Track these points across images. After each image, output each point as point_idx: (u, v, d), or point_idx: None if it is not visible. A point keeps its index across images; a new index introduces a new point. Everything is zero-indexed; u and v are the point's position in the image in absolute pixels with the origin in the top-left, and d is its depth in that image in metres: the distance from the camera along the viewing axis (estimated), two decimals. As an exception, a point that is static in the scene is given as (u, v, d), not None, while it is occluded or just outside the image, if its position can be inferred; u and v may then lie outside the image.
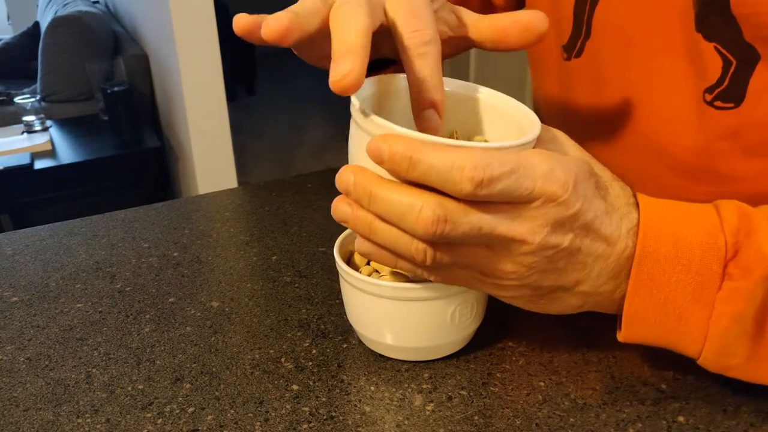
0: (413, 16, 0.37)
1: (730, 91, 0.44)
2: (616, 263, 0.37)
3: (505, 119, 0.41)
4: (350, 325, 0.48)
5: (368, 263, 0.45)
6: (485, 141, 0.42)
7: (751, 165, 0.45)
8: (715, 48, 0.44)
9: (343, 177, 0.35)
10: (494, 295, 0.39)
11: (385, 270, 0.44)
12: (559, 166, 0.34)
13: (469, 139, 0.42)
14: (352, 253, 0.47)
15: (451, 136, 0.42)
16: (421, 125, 0.38)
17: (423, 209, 0.33)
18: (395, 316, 0.42)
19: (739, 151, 0.45)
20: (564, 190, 0.34)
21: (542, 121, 0.39)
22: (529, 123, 0.39)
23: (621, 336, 0.40)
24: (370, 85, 0.40)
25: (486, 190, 0.32)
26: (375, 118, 0.34)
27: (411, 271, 0.38)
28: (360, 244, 0.37)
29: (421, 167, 0.32)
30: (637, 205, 0.38)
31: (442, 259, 0.35)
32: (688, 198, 0.49)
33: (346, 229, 0.47)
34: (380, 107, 0.41)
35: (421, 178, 0.32)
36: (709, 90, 0.45)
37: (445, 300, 0.42)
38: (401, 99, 0.42)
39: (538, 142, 0.37)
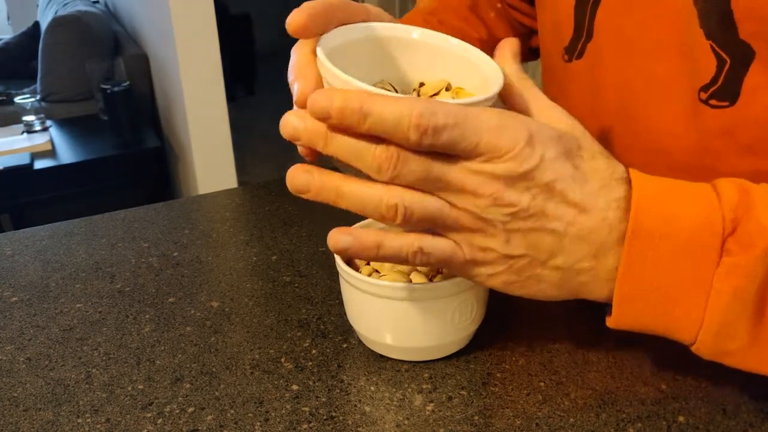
0: None
1: (724, 90, 0.44)
2: (594, 236, 0.36)
3: (476, 72, 0.41)
4: (350, 325, 0.48)
5: (368, 263, 0.45)
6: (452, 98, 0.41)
7: (746, 163, 0.45)
8: (711, 47, 0.44)
9: (289, 121, 0.35)
10: (470, 278, 0.38)
11: (386, 269, 0.44)
12: (514, 123, 0.34)
13: (436, 91, 0.41)
14: None
15: (419, 86, 0.42)
16: None
17: (377, 148, 0.33)
18: (395, 316, 0.42)
19: (734, 149, 0.45)
20: (512, 145, 0.33)
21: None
22: (495, 78, 0.38)
23: (611, 321, 0.38)
24: (338, 34, 0.39)
25: (430, 139, 0.32)
26: (336, 71, 0.35)
27: (397, 261, 0.37)
28: (333, 238, 0.36)
29: (371, 118, 0.32)
30: (629, 181, 0.37)
31: (413, 210, 0.34)
32: None
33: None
34: (348, 57, 0.40)
35: (372, 129, 0.33)
36: (704, 89, 0.45)
37: (445, 300, 0.42)
38: (369, 46, 0.42)
39: (534, 104, 0.38)
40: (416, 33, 0.42)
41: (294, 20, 0.36)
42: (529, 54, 0.70)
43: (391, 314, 0.42)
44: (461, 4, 0.66)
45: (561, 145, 0.36)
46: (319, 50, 0.37)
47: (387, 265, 0.44)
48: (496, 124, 0.33)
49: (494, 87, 0.37)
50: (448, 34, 0.59)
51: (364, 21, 0.41)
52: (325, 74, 0.36)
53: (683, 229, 0.35)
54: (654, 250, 0.35)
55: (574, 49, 0.56)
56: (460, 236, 0.36)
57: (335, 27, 0.39)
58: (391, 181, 0.34)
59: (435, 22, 0.63)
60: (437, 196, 0.35)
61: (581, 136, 0.38)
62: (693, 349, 0.37)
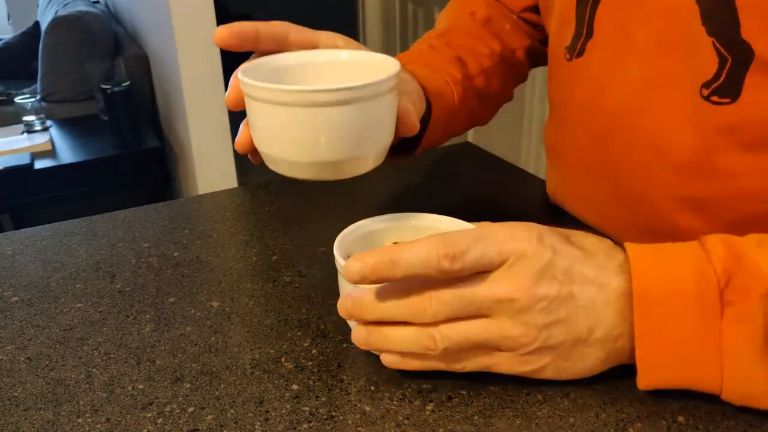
0: None
1: (726, 87, 0.44)
2: (617, 302, 0.38)
3: (375, 69, 0.44)
4: (350, 325, 0.48)
5: None
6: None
7: (748, 160, 0.45)
8: (713, 44, 0.44)
9: (343, 304, 0.42)
10: (523, 372, 0.41)
11: None
12: (520, 228, 0.39)
13: None
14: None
15: None
16: None
17: (409, 297, 0.39)
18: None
19: (736, 146, 0.45)
20: (528, 244, 0.38)
21: (554, 124, 0.41)
22: (392, 64, 0.43)
23: (640, 383, 0.39)
24: (265, 62, 0.47)
25: (460, 262, 0.37)
26: (262, 84, 0.40)
27: (442, 368, 0.41)
28: (386, 358, 0.42)
29: (402, 263, 0.37)
30: (621, 248, 0.40)
31: (451, 337, 0.39)
32: (690, 195, 0.49)
33: (345, 227, 0.47)
34: (278, 81, 0.45)
35: (408, 272, 0.37)
36: (706, 85, 0.45)
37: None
38: (302, 74, 0.47)
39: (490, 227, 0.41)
40: (318, 56, 0.48)
41: (217, 34, 0.45)
42: (544, 58, 0.70)
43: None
44: (473, 22, 0.68)
45: (558, 234, 0.40)
46: (240, 74, 0.43)
47: None
48: (507, 233, 0.38)
49: (393, 68, 0.41)
50: (455, 53, 0.65)
51: (312, 48, 0.48)
52: (257, 93, 0.41)
53: (681, 287, 0.37)
54: (660, 311, 0.37)
55: (575, 48, 0.56)
56: (509, 350, 0.40)
57: (263, 54, 0.47)
58: (433, 320, 0.39)
59: (443, 44, 0.65)
60: (475, 318, 0.39)
61: (558, 229, 0.42)
62: (723, 398, 0.38)
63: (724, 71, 0.44)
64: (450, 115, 0.60)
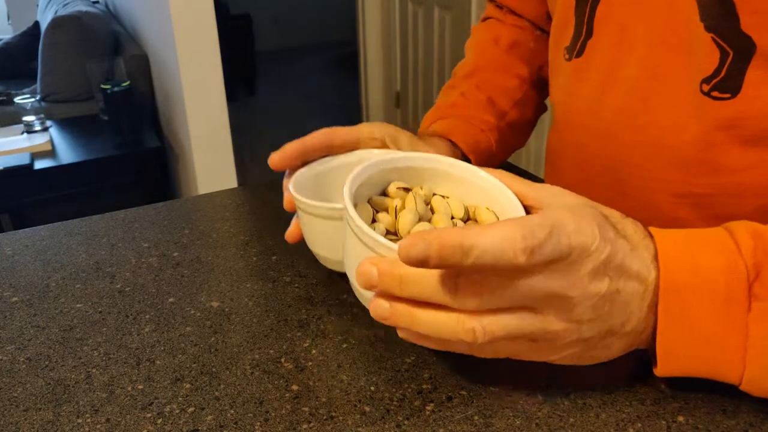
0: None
1: (727, 82, 0.44)
2: (651, 296, 0.38)
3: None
4: (350, 325, 0.48)
5: (374, 220, 0.44)
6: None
7: (749, 156, 0.45)
8: (713, 39, 0.44)
9: (364, 271, 0.35)
10: (543, 359, 0.39)
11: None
12: (582, 218, 0.36)
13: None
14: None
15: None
16: None
17: (459, 280, 0.34)
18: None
19: (737, 142, 0.45)
20: (593, 239, 0.35)
21: (556, 122, 0.41)
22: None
23: (658, 371, 0.39)
24: (309, 168, 0.52)
25: (537, 256, 0.33)
26: (299, 198, 0.47)
27: (464, 352, 0.38)
28: (403, 332, 0.38)
29: (474, 252, 0.32)
30: (651, 235, 0.38)
31: (494, 333, 0.35)
32: (690, 191, 0.49)
33: None
34: (321, 186, 0.52)
35: (477, 263, 0.32)
36: (707, 80, 0.45)
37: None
38: (340, 175, 0.52)
39: (536, 201, 0.40)
40: (351, 157, 0.54)
41: (272, 160, 0.51)
42: None
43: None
44: (499, 51, 0.69)
45: (609, 222, 0.37)
46: (291, 188, 0.49)
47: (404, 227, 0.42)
48: (574, 225, 0.35)
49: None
50: (486, 95, 0.66)
51: (352, 149, 0.53)
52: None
53: (711, 278, 0.36)
54: (686, 302, 0.37)
55: (574, 48, 0.56)
56: (543, 342, 0.37)
57: (316, 160, 0.53)
58: (477, 309, 0.35)
59: (473, 88, 0.67)
60: (519, 310, 0.36)
61: (592, 201, 0.40)
62: (741, 388, 0.38)
63: (725, 66, 0.44)
64: (489, 159, 0.63)
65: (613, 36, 0.52)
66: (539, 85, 0.71)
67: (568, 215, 0.35)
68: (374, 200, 0.44)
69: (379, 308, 0.36)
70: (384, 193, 0.45)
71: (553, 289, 0.35)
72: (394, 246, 0.35)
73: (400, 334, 0.38)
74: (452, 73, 0.72)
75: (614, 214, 0.39)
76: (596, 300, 0.36)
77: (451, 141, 0.62)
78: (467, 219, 0.43)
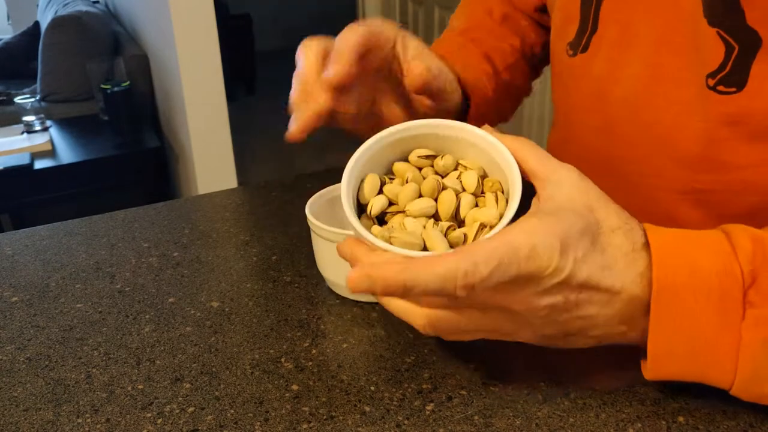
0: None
1: (732, 77, 0.44)
2: (624, 309, 0.37)
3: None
4: (350, 325, 0.48)
5: (373, 222, 0.44)
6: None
7: (754, 152, 0.45)
8: (718, 33, 0.44)
9: (359, 281, 0.36)
10: (508, 339, 0.40)
11: (397, 232, 0.41)
12: (543, 239, 0.35)
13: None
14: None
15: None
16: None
17: (421, 309, 0.37)
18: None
19: (742, 137, 0.45)
20: (547, 264, 0.35)
21: (557, 122, 0.40)
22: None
23: (647, 374, 0.39)
24: (326, 192, 0.55)
25: (479, 290, 0.34)
26: (311, 220, 0.48)
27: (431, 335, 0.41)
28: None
29: (416, 290, 0.34)
30: (647, 243, 0.37)
31: (443, 330, 0.38)
32: (693, 187, 0.49)
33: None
34: (333, 209, 0.54)
35: (420, 295, 0.35)
36: (712, 75, 0.45)
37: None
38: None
39: (541, 186, 0.39)
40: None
41: (290, 133, 0.46)
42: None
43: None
44: (492, 21, 0.68)
45: (587, 237, 0.37)
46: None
47: (400, 226, 0.42)
48: (530, 247, 0.35)
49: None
50: (482, 50, 0.64)
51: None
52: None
53: (706, 281, 0.36)
54: (680, 304, 0.36)
55: (579, 43, 0.56)
56: (499, 335, 0.39)
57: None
58: (428, 306, 0.37)
59: (469, 42, 0.65)
60: (467, 309, 0.37)
61: (596, 201, 0.38)
62: (731, 393, 0.38)
63: (731, 60, 0.44)
64: (485, 108, 0.61)
65: (618, 32, 0.52)
66: (529, 60, 0.69)
67: (526, 236, 0.35)
68: (395, 167, 0.44)
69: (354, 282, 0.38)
70: (406, 160, 0.44)
71: (498, 302, 0.36)
72: (370, 237, 0.38)
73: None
74: (441, 36, 0.70)
75: (609, 221, 0.38)
76: (547, 311, 0.37)
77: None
78: (481, 193, 0.43)
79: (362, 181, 0.43)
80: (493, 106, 0.62)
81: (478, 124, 0.60)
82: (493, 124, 0.65)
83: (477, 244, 0.35)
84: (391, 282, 0.34)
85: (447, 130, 0.44)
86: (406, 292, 0.34)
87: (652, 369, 0.38)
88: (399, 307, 0.38)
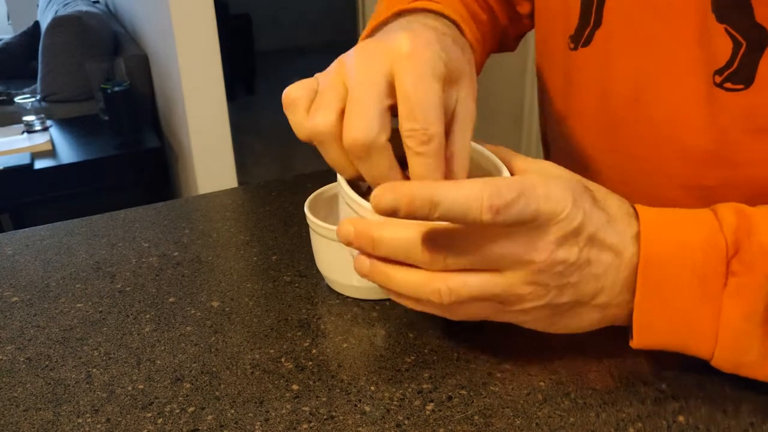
0: (413, 108, 0.36)
1: (740, 73, 0.44)
2: (627, 272, 0.38)
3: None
4: (350, 325, 0.48)
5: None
6: None
7: (761, 148, 0.45)
8: (726, 30, 0.44)
9: (343, 229, 0.37)
10: (514, 321, 0.40)
11: None
12: (555, 185, 0.36)
13: None
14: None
15: None
16: None
17: (426, 244, 0.35)
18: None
19: (748, 134, 0.45)
20: (563, 207, 0.35)
21: (548, 116, 0.40)
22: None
23: (633, 343, 0.40)
24: (324, 191, 0.55)
25: (503, 216, 0.33)
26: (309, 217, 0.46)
27: (437, 314, 0.39)
28: (387, 292, 0.39)
29: (441, 207, 0.33)
30: (637, 215, 0.39)
31: (459, 293, 0.36)
32: (698, 183, 0.49)
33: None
34: (332, 208, 0.55)
35: (443, 216, 0.33)
36: (719, 72, 0.45)
37: None
38: None
39: (530, 167, 0.40)
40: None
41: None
42: (513, 42, 0.70)
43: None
44: None
45: (588, 194, 0.38)
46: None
47: None
48: (546, 188, 0.35)
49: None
50: (468, 13, 0.59)
51: None
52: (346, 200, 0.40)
53: (690, 254, 0.37)
54: (665, 276, 0.37)
55: (580, 37, 0.55)
56: (510, 304, 0.38)
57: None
58: (443, 269, 0.36)
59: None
60: (484, 271, 0.36)
61: (581, 179, 0.40)
62: (712, 363, 0.39)
63: (738, 57, 0.44)
64: (482, 40, 0.59)
65: (623, 26, 0.51)
66: (493, 27, 0.65)
67: (540, 180, 0.35)
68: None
69: (360, 265, 0.38)
70: None
71: (518, 253, 0.35)
72: (370, 206, 0.36)
73: (386, 292, 0.39)
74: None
75: (600, 189, 0.40)
76: (563, 267, 0.36)
77: (441, 14, 0.51)
78: None
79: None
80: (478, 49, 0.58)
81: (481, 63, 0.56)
82: (491, 48, 0.63)
83: (496, 178, 0.35)
84: (418, 195, 0.33)
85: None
86: (432, 207, 0.33)
87: (637, 338, 0.39)
88: (414, 279, 0.37)
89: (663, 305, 0.38)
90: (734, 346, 0.37)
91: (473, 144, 0.43)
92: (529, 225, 0.35)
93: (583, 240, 0.37)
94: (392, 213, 0.33)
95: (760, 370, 0.38)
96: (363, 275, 0.39)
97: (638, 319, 0.38)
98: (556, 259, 0.36)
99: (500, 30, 0.67)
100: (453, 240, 0.35)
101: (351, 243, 0.37)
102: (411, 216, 0.33)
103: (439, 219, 0.34)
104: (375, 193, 0.33)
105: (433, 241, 0.35)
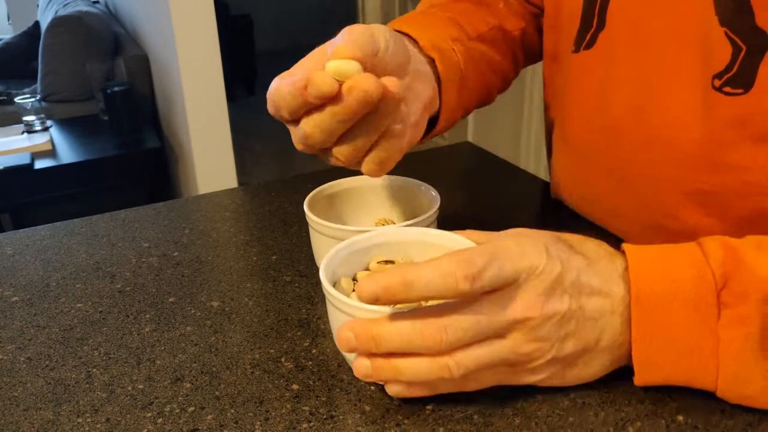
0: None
1: (739, 78, 0.44)
2: (621, 310, 0.38)
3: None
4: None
5: (354, 290, 0.44)
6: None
7: (760, 153, 0.45)
8: (726, 33, 0.44)
9: (343, 336, 0.38)
10: (530, 382, 0.40)
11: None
12: (527, 243, 0.38)
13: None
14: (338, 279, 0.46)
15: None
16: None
17: (423, 328, 0.36)
18: None
19: (746, 139, 0.45)
20: (538, 260, 0.37)
21: (553, 118, 0.40)
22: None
23: (637, 380, 0.40)
24: (323, 189, 0.56)
25: (480, 282, 0.35)
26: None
27: (451, 390, 0.40)
28: (392, 388, 0.39)
29: (417, 286, 0.35)
30: (621, 252, 0.40)
31: (468, 365, 0.37)
32: (698, 188, 0.49)
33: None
34: (333, 207, 0.56)
35: (424, 294, 0.35)
36: (718, 76, 0.45)
37: None
38: (350, 197, 0.57)
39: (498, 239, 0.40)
40: (362, 180, 0.57)
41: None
42: (536, 51, 0.68)
43: None
44: (466, 2, 0.64)
45: (562, 243, 0.39)
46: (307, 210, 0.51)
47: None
48: (518, 249, 0.37)
49: (432, 207, 0.47)
50: (450, 15, 0.59)
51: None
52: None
53: (680, 288, 0.37)
54: (658, 311, 0.37)
55: (582, 39, 0.55)
56: (520, 365, 0.39)
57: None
58: (447, 349, 0.37)
59: (436, 10, 0.61)
60: (488, 339, 0.37)
61: (554, 233, 0.41)
62: (717, 395, 0.39)
63: (738, 61, 0.44)
64: (455, 75, 0.55)
65: (627, 29, 0.51)
66: (508, 40, 0.64)
67: (510, 242, 0.37)
68: (358, 275, 0.46)
69: (360, 368, 0.38)
70: (367, 269, 0.47)
71: (513, 315, 0.37)
72: (362, 305, 0.38)
73: (390, 390, 0.40)
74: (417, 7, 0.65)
75: (575, 237, 0.41)
76: (558, 318, 0.37)
77: (413, 39, 0.53)
78: None
79: (334, 284, 0.44)
80: (471, 78, 0.57)
81: (460, 98, 0.56)
82: (474, 102, 0.61)
83: (467, 248, 0.37)
84: (393, 279, 0.35)
85: (400, 235, 0.47)
86: (408, 289, 0.35)
87: (639, 375, 0.39)
88: (421, 363, 0.37)
89: (661, 340, 0.38)
90: (737, 377, 0.37)
91: (450, 234, 0.45)
92: (513, 285, 0.37)
93: (569, 288, 0.37)
94: (375, 301, 0.36)
95: (765, 400, 0.38)
96: (366, 377, 0.39)
97: (637, 355, 0.38)
98: (548, 311, 0.37)
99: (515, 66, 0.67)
100: (447, 318, 0.36)
101: (354, 348, 0.38)
102: (392, 300, 0.36)
103: (419, 299, 0.36)
104: (358, 286, 0.36)
105: (428, 324, 0.36)
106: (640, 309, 0.38)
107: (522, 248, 0.37)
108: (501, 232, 0.42)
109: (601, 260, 0.39)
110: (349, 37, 0.40)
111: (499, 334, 0.37)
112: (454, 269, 0.35)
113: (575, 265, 0.38)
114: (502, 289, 0.36)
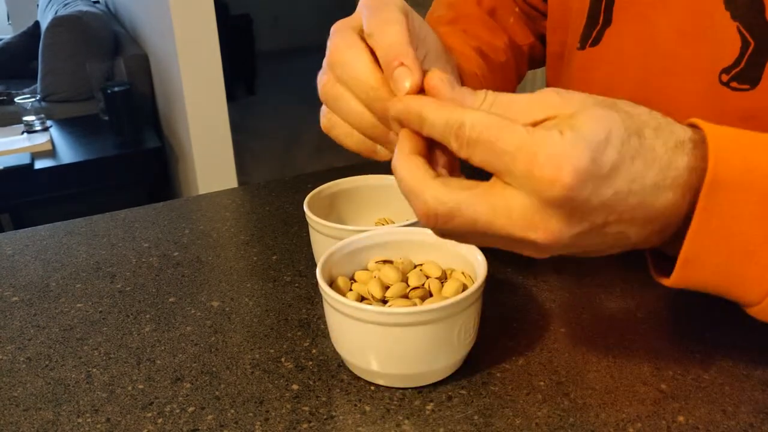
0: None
1: (746, 73, 0.44)
2: (683, 187, 0.32)
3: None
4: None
5: (351, 289, 0.45)
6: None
7: None
8: (738, 29, 0.44)
9: (395, 107, 0.35)
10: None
11: (378, 295, 0.43)
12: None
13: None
14: (335, 278, 0.45)
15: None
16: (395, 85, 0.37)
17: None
18: (404, 342, 0.40)
19: None
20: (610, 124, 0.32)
21: None
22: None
23: (671, 280, 0.34)
24: (323, 189, 0.56)
25: (465, 153, 0.32)
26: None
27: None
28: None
29: (426, 123, 0.33)
30: (691, 124, 0.34)
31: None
32: None
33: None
34: (333, 206, 0.57)
35: (429, 133, 0.34)
36: (726, 70, 0.45)
37: (450, 320, 0.40)
38: (351, 197, 0.58)
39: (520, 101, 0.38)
40: (368, 180, 0.58)
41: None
42: (540, 59, 0.68)
43: (399, 341, 0.40)
44: (480, 13, 0.64)
45: (623, 129, 0.32)
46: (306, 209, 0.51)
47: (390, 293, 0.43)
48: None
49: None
50: (476, 44, 0.60)
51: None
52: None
53: (762, 183, 0.32)
54: (732, 205, 0.32)
55: (589, 36, 0.55)
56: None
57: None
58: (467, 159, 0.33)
59: (459, 32, 0.61)
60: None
61: (622, 105, 0.35)
62: (753, 311, 0.35)
63: (746, 56, 0.44)
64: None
65: (634, 25, 0.51)
66: (517, 61, 0.64)
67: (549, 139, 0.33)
68: (356, 275, 0.46)
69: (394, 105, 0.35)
70: (366, 268, 0.47)
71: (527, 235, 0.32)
72: (359, 304, 0.39)
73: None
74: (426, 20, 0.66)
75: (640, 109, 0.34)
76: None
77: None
78: (444, 279, 0.45)
79: (331, 283, 0.44)
80: None
81: None
82: None
83: (488, 115, 0.33)
84: (411, 103, 0.34)
85: (400, 235, 0.47)
86: (420, 121, 0.33)
87: (679, 273, 0.34)
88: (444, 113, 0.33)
89: (723, 235, 0.32)
90: None
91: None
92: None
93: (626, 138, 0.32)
94: (398, 121, 0.35)
95: None
96: (396, 114, 0.35)
97: (690, 248, 0.33)
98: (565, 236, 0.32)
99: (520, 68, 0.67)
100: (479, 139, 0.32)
101: (401, 118, 0.35)
102: (408, 126, 0.34)
103: (427, 135, 0.34)
104: (389, 104, 0.35)
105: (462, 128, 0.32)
106: (712, 195, 0.32)
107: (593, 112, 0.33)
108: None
109: (662, 131, 0.33)
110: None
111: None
112: (452, 123, 0.32)
113: (631, 174, 0.31)
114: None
